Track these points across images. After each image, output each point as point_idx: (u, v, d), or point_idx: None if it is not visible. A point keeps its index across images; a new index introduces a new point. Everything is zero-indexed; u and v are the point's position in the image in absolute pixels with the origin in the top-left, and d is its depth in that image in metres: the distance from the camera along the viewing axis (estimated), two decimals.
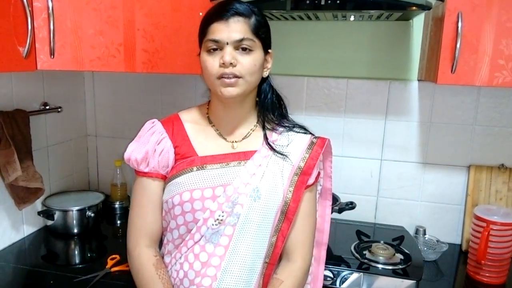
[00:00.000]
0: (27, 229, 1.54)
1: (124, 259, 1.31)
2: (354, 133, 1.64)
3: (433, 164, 1.58)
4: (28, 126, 1.42)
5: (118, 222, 1.73)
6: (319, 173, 1.09)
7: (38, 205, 1.56)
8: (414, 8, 1.23)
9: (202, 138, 1.05)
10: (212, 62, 0.95)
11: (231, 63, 0.93)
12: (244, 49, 0.94)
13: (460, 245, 1.57)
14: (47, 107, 1.58)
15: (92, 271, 1.29)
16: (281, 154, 1.02)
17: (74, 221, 1.56)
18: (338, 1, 1.22)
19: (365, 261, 1.33)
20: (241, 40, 0.93)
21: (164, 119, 1.08)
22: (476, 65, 1.15)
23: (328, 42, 1.62)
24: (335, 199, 1.54)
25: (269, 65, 1.03)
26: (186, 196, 0.97)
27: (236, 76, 0.94)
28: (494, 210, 1.33)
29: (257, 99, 1.08)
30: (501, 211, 1.32)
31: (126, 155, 1.04)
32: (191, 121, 1.07)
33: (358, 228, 1.56)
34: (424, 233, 1.56)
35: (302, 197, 1.02)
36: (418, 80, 1.55)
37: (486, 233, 1.26)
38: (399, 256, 1.37)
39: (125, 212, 1.76)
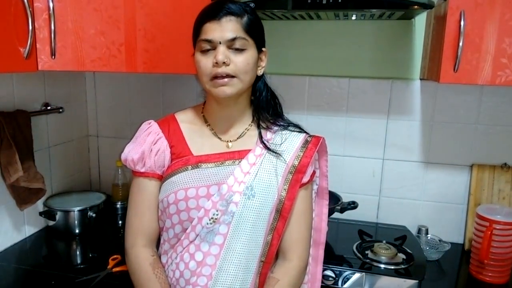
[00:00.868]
0: (29, 230, 1.54)
1: (125, 260, 1.31)
2: (356, 133, 1.63)
3: (435, 163, 1.58)
4: (29, 126, 1.42)
5: (120, 222, 1.73)
6: (314, 172, 1.09)
7: (39, 205, 1.56)
8: (416, 7, 1.22)
9: (197, 137, 1.05)
10: (206, 62, 0.95)
11: (224, 62, 0.93)
12: (237, 48, 0.95)
13: (463, 245, 1.56)
14: (49, 108, 1.58)
15: (93, 271, 1.29)
16: (275, 153, 1.02)
17: (76, 222, 1.56)
18: (339, 0, 1.21)
19: (367, 260, 1.33)
20: (234, 39, 0.94)
21: (160, 119, 1.08)
22: (478, 64, 1.14)
23: (329, 41, 1.62)
24: (337, 198, 1.54)
25: (263, 64, 1.03)
26: (181, 195, 0.98)
27: (229, 76, 0.94)
28: (497, 210, 1.33)
29: (252, 97, 1.08)
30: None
31: (123, 156, 1.05)
32: (187, 121, 1.08)
33: (360, 228, 1.56)
34: (427, 233, 1.55)
35: (296, 195, 1.02)
36: (420, 79, 1.55)
37: (489, 232, 1.26)
38: (401, 256, 1.36)
39: (127, 212, 1.76)
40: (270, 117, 1.08)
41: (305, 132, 1.09)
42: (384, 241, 1.44)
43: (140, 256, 1.02)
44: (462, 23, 1.11)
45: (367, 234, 1.52)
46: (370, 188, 1.65)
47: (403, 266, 1.30)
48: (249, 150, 1.03)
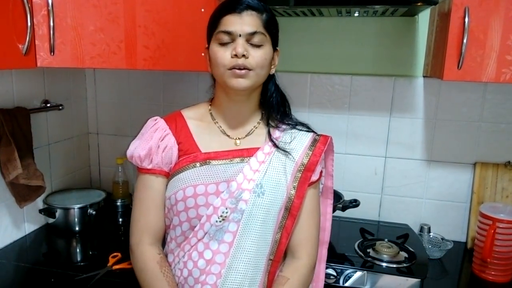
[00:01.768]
0: (29, 227, 1.53)
1: (125, 257, 1.31)
2: (358, 130, 1.62)
3: (438, 161, 1.57)
4: (29, 124, 1.41)
5: (120, 220, 1.73)
6: (321, 171, 1.09)
7: (39, 203, 1.55)
8: (419, 3, 1.21)
9: (205, 134, 1.04)
10: (224, 53, 0.95)
11: (243, 55, 0.93)
12: (255, 43, 0.95)
13: (465, 243, 1.55)
14: (48, 105, 1.57)
15: (93, 269, 1.28)
16: (284, 151, 1.02)
17: (76, 219, 1.56)
18: None
19: (369, 259, 1.32)
20: (254, 33, 0.94)
21: (166, 116, 1.07)
22: (483, 61, 1.13)
23: (332, 38, 1.60)
24: (339, 196, 1.53)
25: (276, 63, 1.04)
26: (189, 192, 0.97)
27: (247, 68, 0.94)
28: (500, 208, 1.32)
29: (261, 100, 1.08)
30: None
31: (128, 152, 1.03)
32: (194, 118, 1.07)
33: (362, 226, 1.55)
34: (429, 231, 1.54)
35: (305, 193, 1.02)
36: (424, 77, 1.54)
37: (492, 231, 1.25)
38: (404, 254, 1.36)
39: (127, 210, 1.76)
40: (279, 117, 1.07)
41: (313, 131, 1.09)
42: (386, 240, 1.43)
43: (147, 254, 1.01)
44: (466, 19, 1.10)
45: (369, 233, 1.52)
46: (372, 186, 1.64)
47: (405, 265, 1.29)
48: (258, 148, 1.03)
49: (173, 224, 1.01)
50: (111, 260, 1.33)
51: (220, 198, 0.97)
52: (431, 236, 1.51)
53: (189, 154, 1.01)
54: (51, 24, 1.06)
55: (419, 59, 1.54)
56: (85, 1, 1.10)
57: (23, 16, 1.02)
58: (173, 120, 1.05)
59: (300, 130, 1.08)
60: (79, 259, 1.46)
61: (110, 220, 1.71)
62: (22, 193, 1.39)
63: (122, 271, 1.29)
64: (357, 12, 1.43)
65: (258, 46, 0.95)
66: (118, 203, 1.78)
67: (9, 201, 1.40)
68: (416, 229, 1.58)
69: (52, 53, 1.08)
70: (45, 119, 1.59)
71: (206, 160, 1.00)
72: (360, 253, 1.36)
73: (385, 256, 1.33)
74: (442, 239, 1.48)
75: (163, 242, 1.08)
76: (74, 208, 1.55)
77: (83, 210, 1.56)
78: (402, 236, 1.47)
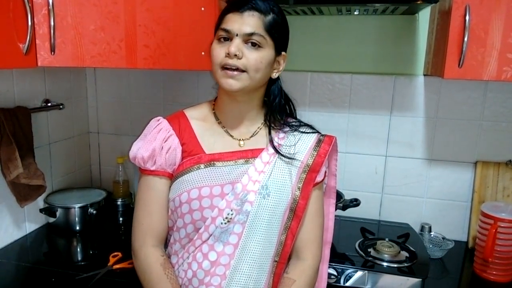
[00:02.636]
0: (29, 226, 1.53)
1: (126, 257, 1.31)
2: (358, 129, 1.62)
3: (439, 160, 1.56)
4: (29, 123, 1.41)
5: (120, 219, 1.73)
6: (325, 171, 1.08)
7: (40, 202, 1.55)
8: (420, 1, 1.21)
9: (209, 135, 1.03)
10: (219, 51, 0.94)
11: (235, 55, 0.92)
12: (253, 44, 0.93)
13: (466, 243, 1.55)
14: (49, 104, 1.57)
15: (94, 268, 1.28)
16: (287, 158, 1.01)
17: (76, 218, 1.56)
18: None
19: (370, 258, 1.32)
20: (251, 34, 0.93)
21: (169, 116, 1.06)
22: (484, 59, 1.12)
23: (332, 37, 1.60)
24: (339, 196, 1.52)
25: (280, 68, 1.02)
26: (194, 194, 0.96)
27: (239, 69, 0.93)
28: (501, 207, 1.31)
29: (265, 99, 1.07)
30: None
31: (131, 154, 1.02)
32: (198, 118, 1.06)
33: (363, 225, 1.55)
34: (430, 230, 1.54)
35: (310, 194, 1.01)
36: (424, 75, 1.53)
37: (494, 230, 1.24)
38: (404, 254, 1.35)
39: (127, 209, 1.76)
40: (282, 120, 1.06)
41: (317, 131, 1.08)
42: (386, 239, 1.43)
43: (150, 256, 1.00)
44: (467, 17, 1.10)
45: (370, 232, 1.51)
46: (372, 185, 1.64)
47: (406, 264, 1.29)
48: (262, 149, 1.02)
49: (177, 226, 1.00)
50: (112, 260, 1.32)
51: (225, 200, 0.96)
52: (432, 236, 1.50)
53: (193, 155, 1.00)
54: (52, 23, 1.06)
55: (419, 58, 1.54)
56: (86, 0, 1.10)
57: (23, 16, 1.02)
58: (177, 120, 1.04)
59: (304, 131, 1.06)
60: (79, 258, 1.46)
61: (111, 220, 1.71)
62: (23, 193, 1.39)
63: (122, 270, 1.29)
64: (357, 11, 1.42)
65: (255, 48, 0.94)
66: (119, 203, 1.78)
67: (10, 201, 1.40)
68: (417, 229, 1.58)
69: (52, 53, 1.08)
70: (45, 119, 1.59)
71: (210, 161, 0.99)
72: (361, 252, 1.36)
73: (386, 255, 1.33)
74: (443, 238, 1.48)
75: (165, 244, 1.07)
76: (74, 208, 1.55)
77: (83, 209, 1.56)
78: (403, 236, 1.47)
